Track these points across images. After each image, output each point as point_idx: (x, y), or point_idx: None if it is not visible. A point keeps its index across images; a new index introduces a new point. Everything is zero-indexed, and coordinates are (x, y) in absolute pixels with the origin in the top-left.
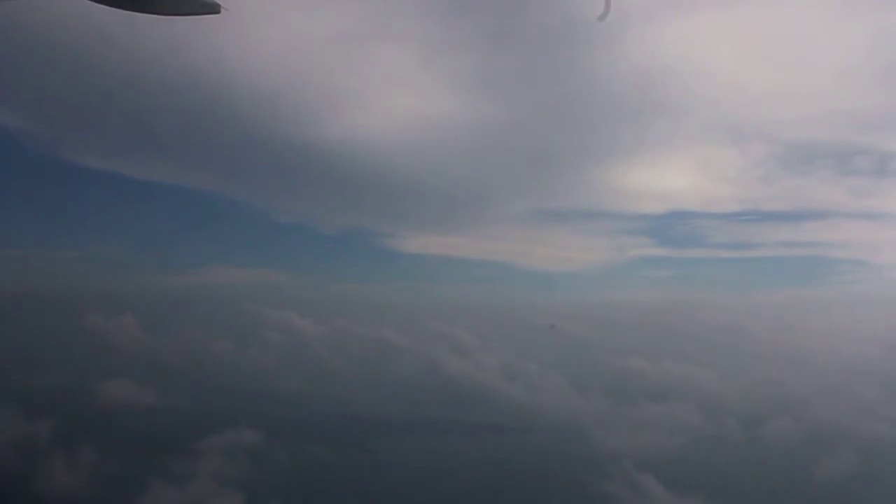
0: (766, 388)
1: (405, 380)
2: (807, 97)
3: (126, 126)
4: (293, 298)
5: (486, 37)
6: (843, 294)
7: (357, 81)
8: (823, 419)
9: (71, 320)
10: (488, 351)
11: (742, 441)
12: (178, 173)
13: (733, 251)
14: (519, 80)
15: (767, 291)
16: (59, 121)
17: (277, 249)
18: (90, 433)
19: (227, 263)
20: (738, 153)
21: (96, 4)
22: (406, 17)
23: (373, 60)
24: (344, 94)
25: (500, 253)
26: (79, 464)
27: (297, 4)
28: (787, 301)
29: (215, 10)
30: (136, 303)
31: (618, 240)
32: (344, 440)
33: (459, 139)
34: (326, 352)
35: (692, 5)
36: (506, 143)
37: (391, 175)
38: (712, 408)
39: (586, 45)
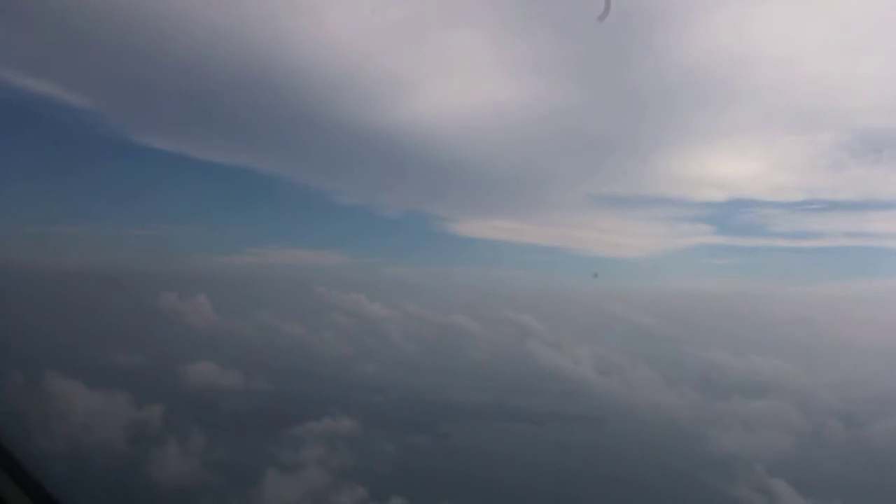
0: (857, 385)
1: (477, 365)
2: (876, 85)
3: (192, 108)
4: (355, 280)
5: (551, 22)
6: None
7: (421, 65)
8: None
9: (143, 299)
10: (561, 338)
11: (848, 441)
12: (240, 154)
13: (796, 241)
14: (583, 65)
15: (830, 282)
16: (126, 102)
17: (337, 231)
18: (186, 416)
19: (288, 244)
20: (804, 141)
21: None
22: (469, 2)
23: (438, 45)
24: (408, 78)
25: (558, 238)
26: (186, 449)
27: None
28: (852, 292)
29: None
30: (204, 282)
31: (678, 227)
32: (418, 425)
33: (522, 124)
34: (397, 336)
35: None
36: (568, 127)
37: (452, 159)
38: (809, 405)
39: (653, 31)
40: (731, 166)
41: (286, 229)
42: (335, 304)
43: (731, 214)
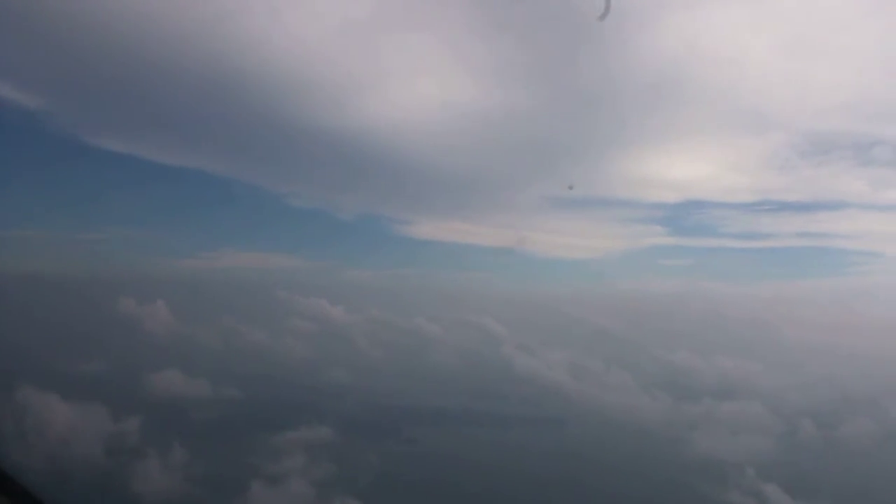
0: (821, 385)
1: (440, 369)
2: (826, 87)
3: (144, 109)
4: (311, 284)
5: (506, 26)
6: (858, 285)
7: (378, 68)
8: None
9: (99, 304)
10: (523, 341)
11: (823, 441)
12: (194, 157)
13: (747, 241)
14: (538, 69)
15: (781, 282)
16: (78, 103)
17: (292, 234)
18: (157, 427)
19: (241, 248)
20: (755, 143)
21: None
22: (428, 5)
23: (394, 48)
24: (365, 80)
25: (513, 240)
26: (164, 462)
27: None
28: (805, 292)
29: None
30: (159, 287)
31: (632, 228)
32: (384, 430)
33: (478, 127)
34: (360, 340)
35: None
36: (523, 131)
37: (408, 161)
38: (779, 406)
39: (605, 34)
40: (684, 168)
41: (240, 233)
42: (296, 308)
43: (683, 215)
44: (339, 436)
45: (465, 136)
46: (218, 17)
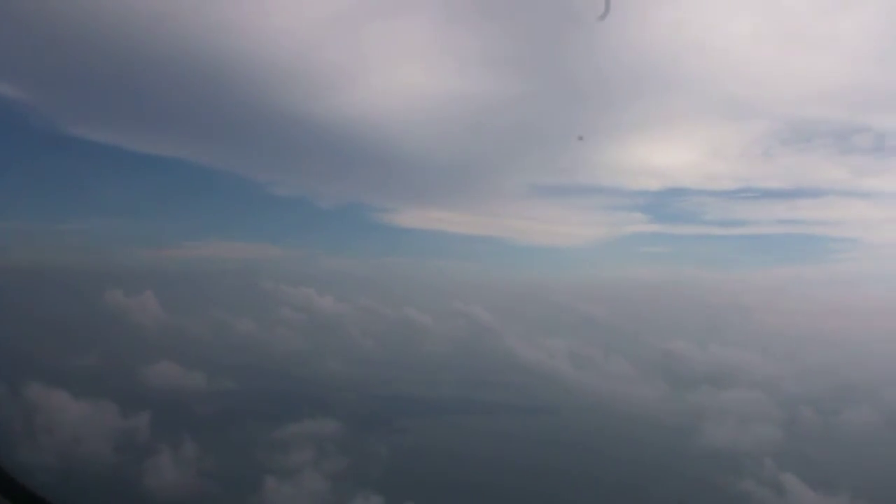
0: (814, 373)
1: (430, 358)
2: (808, 75)
3: (126, 100)
4: (296, 273)
5: (491, 14)
6: (839, 272)
7: (361, 56)
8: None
9: (85, 296)
10: (513, 330)
11: (824, 429)
12: (172, 146)
13: (728, 228)
14: (519, 56)
15: (763, 269)
16: (59, 94)
17: (273, 223)
18: (159, 421)
19: (226, 237)
20: (736, 130)
21: None
22: None
23: (378, 35)
24: (348, 68)
25: (495, 228)
26: (174, 456)
27: None
28: (787, 279)
29: None
30: (143, 278)
31: (613, 216)
32: (375, 420)
33: (462, 114)
34: (349, 330)
35: None
36: (507, 118)
37: (391, 149)
38: (778, 394)
39: (590, 23)
40: (667, 155)
41: (223, 222)
42: (284, 298)
43: (665, 203)
44: (343, 428)
45: (449, 124)
46: (199, 6)
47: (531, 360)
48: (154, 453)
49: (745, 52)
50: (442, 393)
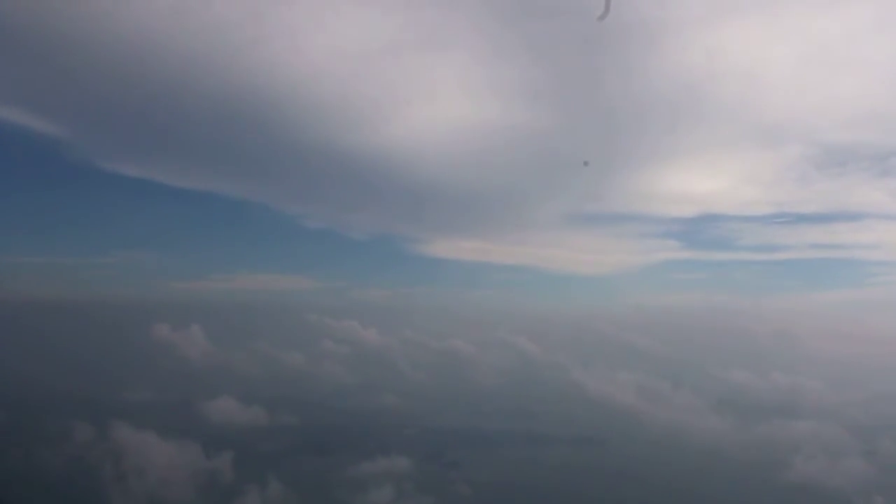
0: (882, 400)
1: (481, 389)
2: (842, 99)
3: (162, 135)
4: (332, 305)
5: (525, 45)
6: (880, 295)
7: (394, 89)
8: None
9: (131, 330)
10: (560, 360)
11: None
12: (208, 179)
13: (763, 253)
14: (556, 86)
15: (799, 294)
16: (96, 130)
17: (305, 255)
18: (235, 458)
19: (254, 269)
20: (771, 156)
21: None
22: (449, 26)
23: (410, 69)
24: (382, 101)
25: (528, 257)
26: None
27: (343, 12)
28: (825, 304)
29: None
30: (184, 310)
31: (646, 243)
32: (440, 455)
33: (495, 145)
34: (399, 363)
35: (728, 11)
36: (541, 148)
37: (423, 180)
38: (849, 424)
39: (623, 52)
40: (701, 182)
41: (253, 254)
42: (327, 330)
43: (699, 229)
44: (414, 464)
45: (483, 155)
46: (236, 43)
47: (587, 390)
48: (238, 493)
49: (779, 78)
50: (499, 425)
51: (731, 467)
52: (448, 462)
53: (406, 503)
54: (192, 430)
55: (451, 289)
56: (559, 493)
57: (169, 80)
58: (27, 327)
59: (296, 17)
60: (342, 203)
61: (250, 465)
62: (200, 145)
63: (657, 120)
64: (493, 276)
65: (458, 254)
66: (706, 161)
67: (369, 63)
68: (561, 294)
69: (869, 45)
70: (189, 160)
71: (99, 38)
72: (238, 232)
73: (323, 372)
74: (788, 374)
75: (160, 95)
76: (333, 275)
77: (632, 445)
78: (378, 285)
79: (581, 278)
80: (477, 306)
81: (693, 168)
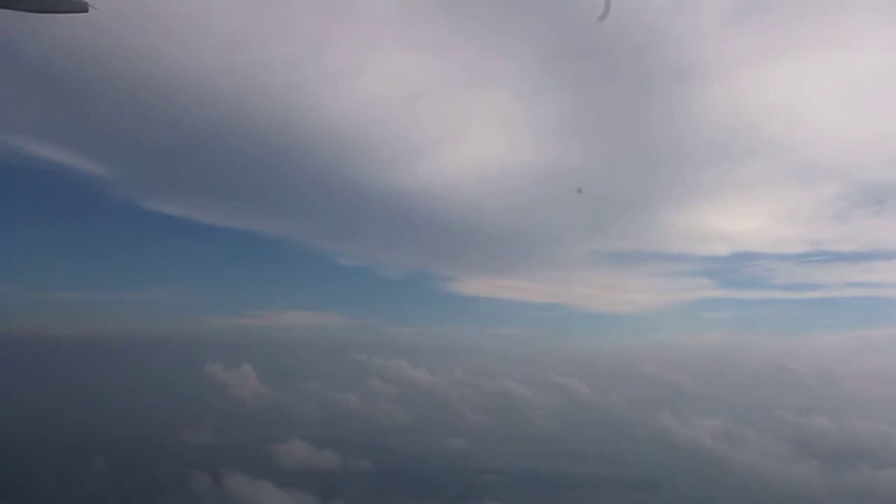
0: None
1: (538, 431)
2: (882, 138)
3: (203, 175)
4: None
5: (561, 84)
6: None
7: (427, 128)
8: None
9: (176, 368)
10: (613, 401)
11: None
12: (242, 217)
13: (798, 292)
14: (590, 125)
15: (835, 333)
16: (133, 167)
17: (339, 292)
18: None
19: (287, 307)
20: (808, 194)
21: None
22: (490, 64)
23: (443, 108)
24: (413, 140)
25: (561, 295)
26: None
27: (385, 53)
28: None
29: (83, 9)
30: (223, 347)
31: (679, 282)
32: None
33: (529, 183)
34: (453, 404)
35: (767, 50)
36: (573, 186)
37: (454, 219)
38: None
39: (659, 91)
40: (735, 221)
41: (286, 291)
42: (376, 370)
43: (732, 268)
44: None
45: (517, 194)
46: (275, 85)
47: (653, 434)
48: None
49: (816, 116)
50: (573, 468)
51: None
52: None
53: None
54: (269, 473)
55: (482, 326)
56: None
57: (208, 120)
58: (72, 364)
59: (335, 60)
60: (375, 241)
61: None
62: (238, 184)
63: (693, 159)
64: (525, 313)
65: (491, 292)
66: (741, 199)
67: (408, 102)
68: (593, 332)
69: None
70: (227, 198)
71: (142, 82)
72: (272, 269)
73: (378, 413)
74: (860, 417)
75: (200, 135)
76: (365, 312)
77: (713, 490)
78: (410, 323)
79: (613, 317)
80: (512, 344)
81: (727, 206)
